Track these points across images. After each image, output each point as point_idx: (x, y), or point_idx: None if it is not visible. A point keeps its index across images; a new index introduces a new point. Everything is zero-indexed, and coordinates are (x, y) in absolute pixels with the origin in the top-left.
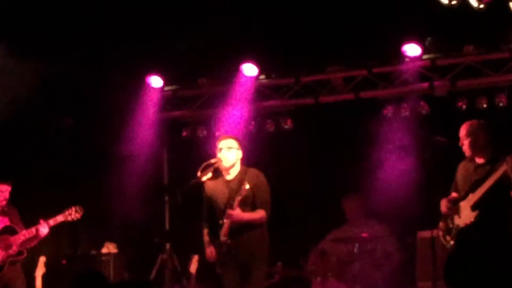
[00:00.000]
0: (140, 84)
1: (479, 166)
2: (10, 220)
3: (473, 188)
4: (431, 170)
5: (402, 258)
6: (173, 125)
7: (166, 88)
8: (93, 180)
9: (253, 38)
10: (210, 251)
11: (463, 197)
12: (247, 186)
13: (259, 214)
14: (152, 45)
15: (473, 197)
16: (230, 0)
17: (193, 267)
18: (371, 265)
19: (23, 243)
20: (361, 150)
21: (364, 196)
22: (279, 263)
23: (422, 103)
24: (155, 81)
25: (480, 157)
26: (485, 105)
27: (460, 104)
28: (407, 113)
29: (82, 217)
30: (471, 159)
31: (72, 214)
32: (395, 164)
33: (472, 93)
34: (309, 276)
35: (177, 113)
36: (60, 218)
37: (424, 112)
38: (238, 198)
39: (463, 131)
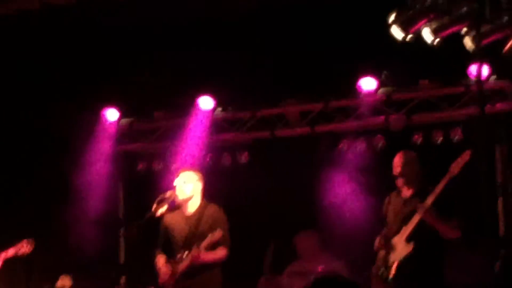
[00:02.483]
0: (96, 117)
1: (407, 199)
2: None
3: (405, 221)
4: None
5: None
6: (129, 158)
7: (122, 121)
8: (48, 213)
9: (209, 71)
10: (166, 270)
11: (396, 232)
12: (220, 233)
13: (221, 253)
14: (109, 78)
15: (406, 230)
16: (186, 34)
17: None
18: None
19: None
20: (317, 184)
21: (318, 230)
22: None
23: (378, 137)
24: (111, 114)
25: (409, 188)
26: (440, 139)
27: (415, 138)
28: (363, 147)
29: (37, 250)
30: (398, 193)
31: (23, 247)
32: (351, 198)
33: (427, 127)
34: None
35: (133, 146)
36: (11, 253)
37: (380, 146)
38: (207, 242)
39: (400, 159)
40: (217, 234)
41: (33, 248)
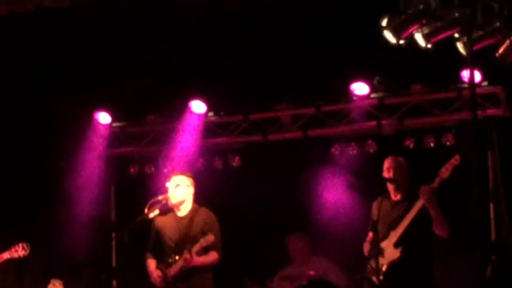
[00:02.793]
0: (88, 120)
1: (396, 203)
2: None
3: (393, 225)
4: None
5: None
6: (121, 162)
7: (114, 125)
8: (39, 216)
9: (201, 75)
10: (157, 274)
11: (385, 236)
12: (212, 238)
13: (213, 257)
14: (101, 82)
15: (394, 235)
16: (179, 38)
17: None
18: None
19: None
20: (309, 188)
21: (310, 234)
22: None
23: (369, 141)
24: (103, 118)
25: (398, 193)
26: (432, 144)
27: (407, 143)
28: (355, 152)
29: (28, 253)
30: (387, 196)
31: (19, 251)
32: (343, 202)
33: (419, 132)
34: None
35: (125, 149)
36: (6, 256)
37: (371, 150)
38: (199, 247)
39: (391, 164)
40: (209, 238)
41: (29, 251)
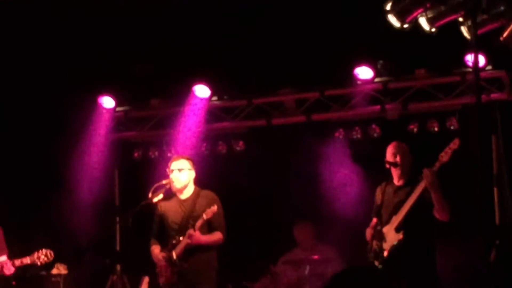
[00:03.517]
0: (92, 104)
1: (398, 188)
2: None
3: (395, 210)
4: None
5: None
6: (125, 146)
7: (118, 109)
8: (44, 201)
9: (205, 59)
10: (162, 256)
11: (387, 221)
12: (215, 208)
13: (217, 236)
14: (105, 66)
15: (396, 219)
16: (182, 22)
17: None
18: None
19: None
20: (313, 173)
21: (315, 220)
22: (229, 286)
23: (373, 126)
24: (107, 102)
25: (401, 179)
26: (436, 129)
27: (411, 127)
28: (359, 136)
29: (51, 260)
30: (390, 182)
31: (41, 258)
32: (346, 187)
33: (423, 116)
34: None
35: (129, 134)
36: (26, 261)
37: (375, 135)
38: (201, 221)
39: (396, 149)
40: (212, 209)
41: (52, 259)
